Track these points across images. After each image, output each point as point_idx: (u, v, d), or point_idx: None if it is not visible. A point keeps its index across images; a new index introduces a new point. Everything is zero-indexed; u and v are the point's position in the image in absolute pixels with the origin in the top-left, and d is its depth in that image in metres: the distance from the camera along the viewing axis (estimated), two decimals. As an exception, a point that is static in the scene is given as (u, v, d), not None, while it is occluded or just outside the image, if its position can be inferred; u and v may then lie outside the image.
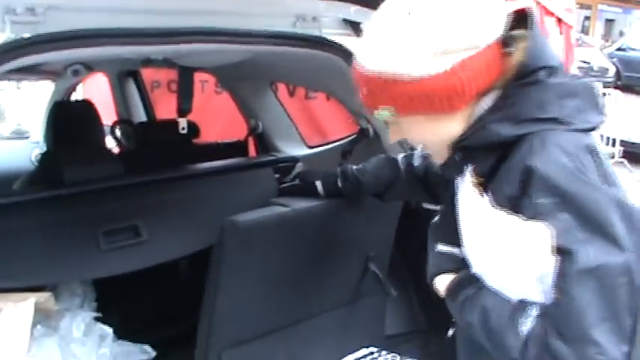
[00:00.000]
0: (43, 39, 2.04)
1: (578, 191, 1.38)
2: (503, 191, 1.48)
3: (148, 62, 3.32)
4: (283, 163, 3.60)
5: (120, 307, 3.12)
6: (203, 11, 2.41)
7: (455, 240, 1.69)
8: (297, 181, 2.78)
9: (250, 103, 3.86)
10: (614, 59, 21.98)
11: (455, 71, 1.46)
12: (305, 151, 3.74)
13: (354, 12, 2.73)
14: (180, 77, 3.51)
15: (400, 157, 2.44)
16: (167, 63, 3.09)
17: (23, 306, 2.30)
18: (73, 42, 2.09)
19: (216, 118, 5.27)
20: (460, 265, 1.69)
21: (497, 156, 1.52)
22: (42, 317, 2.54)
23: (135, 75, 4.91)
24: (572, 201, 1.37)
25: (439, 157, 1.68)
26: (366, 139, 3.09)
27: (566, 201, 1.37)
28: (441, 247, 1.74)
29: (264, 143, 3.91)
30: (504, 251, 1.48)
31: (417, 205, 2.99)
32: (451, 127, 1.57)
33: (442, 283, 1.71)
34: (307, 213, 2.57)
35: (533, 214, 1.40)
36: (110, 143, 3.93)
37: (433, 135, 1.61)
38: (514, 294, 1.50)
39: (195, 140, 3.84)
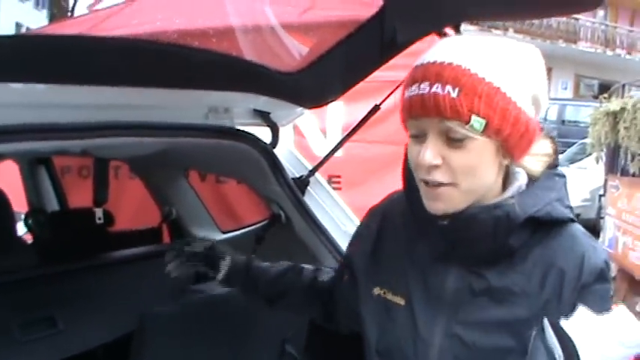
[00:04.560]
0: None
1: None
2: (537, 271, 1.58)
3: (62, 151, 3.34)
4: (198, 249, 3.64)
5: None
6: (118, 105, 2.45)
7: None
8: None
9: (164, 190, 3.90)
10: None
11: (536, 125, 1.55)
12: (219, 237, 3.78)
13: (263, 102, 2.83)
14: (96, 168, 3.55)
15: (308, 268, 2.25)
16: (84, 154, 3.12)
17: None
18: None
19: (130, 203, 5.26)
20: None
21: (527, 236, 1.59)
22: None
23: (46, 162, 4.88)
24: None
25: (451, 203, 1.55)
26: (278, 225, 3.12)
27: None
28: None
29: (178, 229, 3.93)
30: None
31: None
32: (492, 178, 1.57)
33: None
34: (223, 299, 2.62)
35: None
36: (22, 231, 3.91)
37: (481, 174, 1.54)
38: None
39: (109, 228, 3.83)
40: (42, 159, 4.78)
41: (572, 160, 14.70)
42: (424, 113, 1.48)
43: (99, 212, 3.58)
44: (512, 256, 1.59)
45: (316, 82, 2.67)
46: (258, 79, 2.62)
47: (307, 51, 2.76)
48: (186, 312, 2.54)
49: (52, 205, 4.84)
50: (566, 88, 30.68)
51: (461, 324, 1.61)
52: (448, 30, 2.46)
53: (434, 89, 1.46)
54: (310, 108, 2.96)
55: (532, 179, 1.64)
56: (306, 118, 5.22)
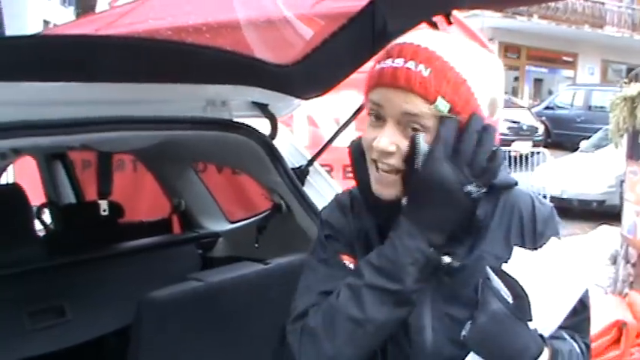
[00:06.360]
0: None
1: None
2: (499, 234, 1.67)
3: (62, 146, 3.42)
4: (205, 238, 3.72)
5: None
6: (117, 100, 2.52)
7: None
8: None
9: (172, 182, 3.98)
10: (543, 117, 22.37)
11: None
12: (226, 227, 3.86)
13: (260, 95, 2.89)
14: (99, 161, 3.63)
15: None
16: (84, 148, 3.20)
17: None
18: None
19: (150, 195, 5.32)
20: None
21: (493, 203, 1.67)
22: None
23: (62, 157, 4.96)
24: None
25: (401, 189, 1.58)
26: (279, 215, 3.19)
27: None
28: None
29: (187, 220, 4.01)
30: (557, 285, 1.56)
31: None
32: None
33: None
34: (221, 287, 2.66)
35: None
36: (38, 225, 3.99)
37: None
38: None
39: (120, 219, 3.90)
40: (58, 154, 4.87)
41: (597, 146, 14.57)
42: (393, 82, 1.53)
43: (103, 204, 3.64)
44: (479, 228, 1.65)
45: (311, 74, 2.72)
46: (253, 72, 2.68)
47: (302, 43, 2.80)
48: (183, 300, 2.58)
49: (69, 198, 4.93)
50: (592, 74, 30.42)
51: (447, 303, 1.64)
52: (438, 19, 2.50)
53: (407, 65, 1.52)
54: (307, 99, 3.00)
55: None
56: (320, 108, 5.25)
